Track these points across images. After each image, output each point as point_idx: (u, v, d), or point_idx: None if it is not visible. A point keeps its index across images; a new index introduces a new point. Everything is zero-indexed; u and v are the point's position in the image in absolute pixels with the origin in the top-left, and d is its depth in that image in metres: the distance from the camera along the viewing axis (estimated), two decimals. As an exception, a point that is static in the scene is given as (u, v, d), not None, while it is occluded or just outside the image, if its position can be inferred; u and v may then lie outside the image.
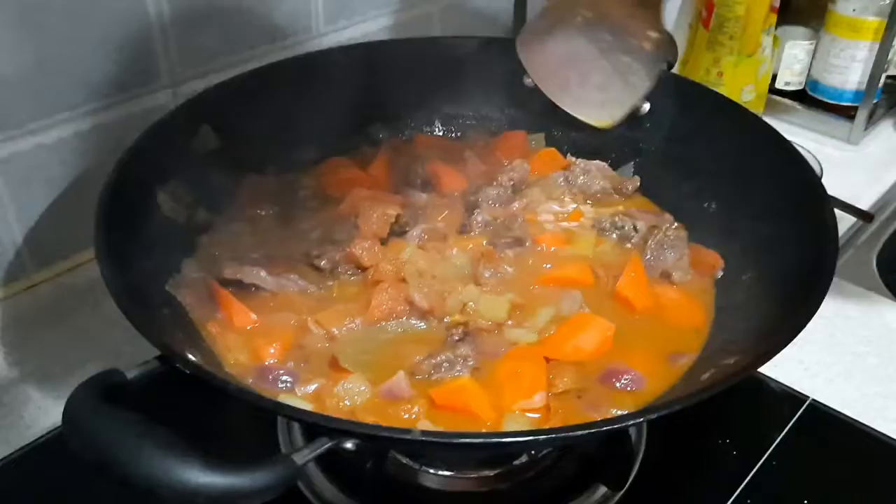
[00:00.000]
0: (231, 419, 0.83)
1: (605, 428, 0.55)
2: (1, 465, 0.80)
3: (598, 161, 0.99)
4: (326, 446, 0.50)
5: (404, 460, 0.79)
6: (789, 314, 0.64)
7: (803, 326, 0.62)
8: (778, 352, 0.60)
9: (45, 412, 0.87)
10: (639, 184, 0.98)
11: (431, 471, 0.78)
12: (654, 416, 0.55)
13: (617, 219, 0.92)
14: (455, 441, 0.53)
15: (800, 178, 0.79)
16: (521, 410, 0.71)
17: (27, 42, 0.85)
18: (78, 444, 0.48)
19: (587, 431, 0.54)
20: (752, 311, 0.73)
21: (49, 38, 0.86)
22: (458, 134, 1.08)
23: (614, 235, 0.92)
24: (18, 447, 0.82)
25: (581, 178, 0.98)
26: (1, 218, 0.90)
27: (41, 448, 0.82)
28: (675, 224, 0.90)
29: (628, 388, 0.74)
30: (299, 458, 0.49)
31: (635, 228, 0.91)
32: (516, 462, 0.79)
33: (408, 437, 0.53)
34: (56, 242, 0.96)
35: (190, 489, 0.45)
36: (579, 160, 1.00)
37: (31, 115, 0.88)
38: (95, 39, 0.90)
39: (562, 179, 0.99)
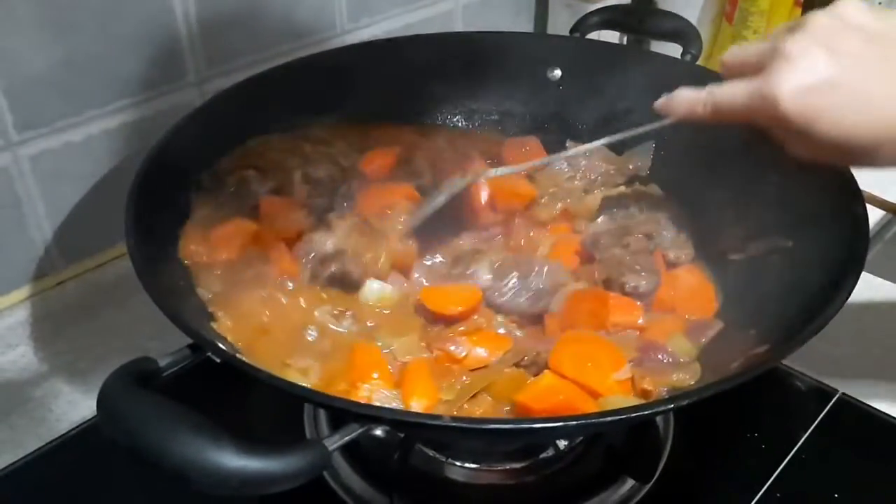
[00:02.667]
0: (258, 407, 0.84)
1: (635, 414, 0.54)
2: (31, 458, 0.81)
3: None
4: (357, 432, 0.51)
5: (430, 453, 0.79)
6: (818, 306, 0.63)
7: (831, 317, 0.61)
8: (805, 342, 0.59)
9: (74, 406, 0.88)
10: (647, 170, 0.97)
11: (458, 463, 0.78)
12: (683, 402, 0.55)
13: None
14: (485, 427, 0.53)
15: (830, 169, 0.78)
16: (616, 385, 0.71)
17: (57, 41, 0.86)
18: (111, 429, 0.49)
19: (619, 417, 0.54)
20: (781, 302, 0.72)
21: (78, 37, 0.87)
22: (480, 129, 1.08)
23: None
24: (48, 441, 0.83)
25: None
26: (31, 215, 0.91)
27: (71, 442, 0.83)
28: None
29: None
30: (330, 444, 0.49)
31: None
32: (543, 455, 0.79)
33: (438, 423, 0.53)
34: (84, 239, 0.97)
35: (223, 473, 0.46)
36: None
37: (60, 112, 0.89)
38: (123, 38, 0.91)
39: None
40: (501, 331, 0.79)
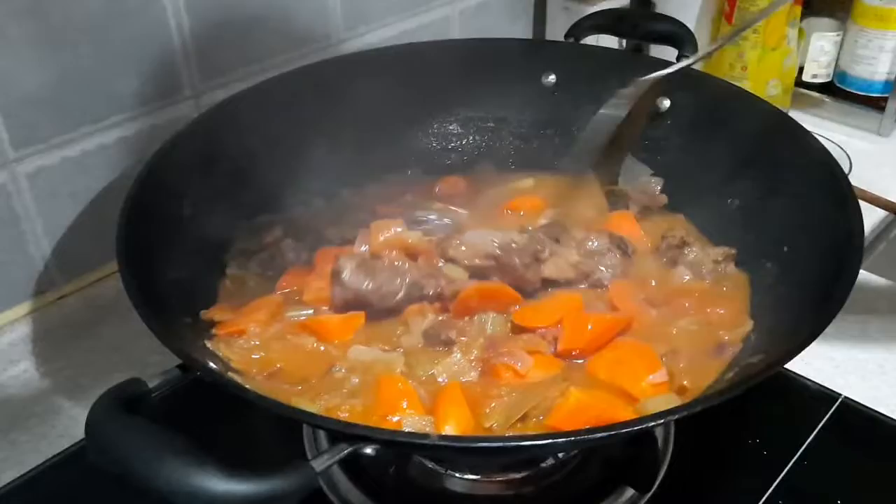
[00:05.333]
0: (257, 426, 0.83)
1: (626, 430, 0.54)
2: (33, 474, 0.81)
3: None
4: (345, 452, 0.50)
5: (429, 464, 0.78)
6: (815, 311, 0.63)
7: (828, 323, 0.60)
8: (803, 349, 0.59)
9: (75, 422, 0.88)
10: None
11: (457, 475, 0.78)
12: (676, 416, 0.55)
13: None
14: (473, 445, 0.53)
15: (823, 171, 0.78)
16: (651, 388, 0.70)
17: (52, 58, 0.86)
18: (98, 455, 0.49)
19: (610, 433, 0.53)
20: (777, 308, 0.72)
21: (72, 53, 0.88)
22: (477, 137, 1.08)
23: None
24: (50, 457, 0.83)
25: None
26: (29, 231, 0.91)
27: (73, 458, 0.83)
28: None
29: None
30: (318, 465, 0.49)
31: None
32: (542, 465, 0.78)
33: (426, 441, 0.52)
34: (83, 255, 0.97)
35: (209, 497, 0.46)
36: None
37: (56, 129, 0.89)
38: (118, 54, 0.91)
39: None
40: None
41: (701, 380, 0.72)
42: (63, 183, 0.92)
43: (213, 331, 0.77)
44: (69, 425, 0.88)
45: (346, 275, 0.78)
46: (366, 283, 0.78)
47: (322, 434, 0.82)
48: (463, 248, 0.84)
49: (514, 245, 0.84)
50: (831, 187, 0.73)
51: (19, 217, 0.90)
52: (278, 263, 0.88)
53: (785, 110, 1.27)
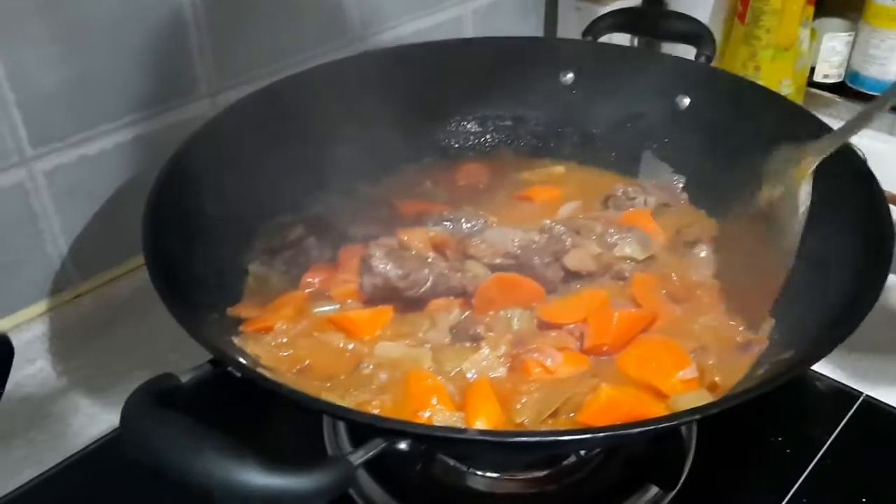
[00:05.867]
0: (278, 423, 0.83)
1: (666, 424, 0.54)
2: (51, 473, 0.81)
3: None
4: (381, 447, 0.50)
5: (451, 462, 0.78)
6: (845, 308, 0.62)
7: (859, 322, 0.60)
8: (835, 346, 0.59)
9: (93, 421, 0.87)
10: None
11: (479, 473, 0.77)
12: (714, 411, 0.54)
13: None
14: (511, 440, 0.53)
15: (849, 168, 0.77)
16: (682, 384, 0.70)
17: (70, 57, 0.86)
18: (135, 449, 0.48)
19: (649, 428, 0.53)
20: (805, 306, 0.72)
21: (90, 52, 0.87)
22: (495, 135, 1.07)
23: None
24: (67, 456, 0.83)
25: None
26: (47, 230, 0.91)
27: (90, 457, 0.83)
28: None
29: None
30: (354, 460, 0.49)
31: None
32: (565, 462, 0.78)
33: (464, 436, 0.52)
34: (99, 253, 0.97)
35: (247, 491, 0.45)
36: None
37: (74, 127, 0.89)
38: (135, 52, 0.91)
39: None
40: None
41: (731, 376, 0.72)
42: (81, 181, 0.92)
43: (240, 328, 0.77)
44: (86, 424, 0.87)
45: (375, 261, 0.78)
46: (395, 269, 0.78)
47: (343, 432, 0.82)
48: (483, 245, 0.84)
49: (534, 245, 0.84)
50: (858, 184, 0.73)
51: (37, 215, 0.89)
52: (302, 261, 0.87)
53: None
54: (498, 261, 0.83)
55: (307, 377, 0.72)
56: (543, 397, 0.69)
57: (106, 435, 0.85)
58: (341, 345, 0.76)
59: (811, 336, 0.65)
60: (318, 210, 0.94)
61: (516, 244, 0.84)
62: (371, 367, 0.73)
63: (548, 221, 0.89)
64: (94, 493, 0.79)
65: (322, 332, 0.77)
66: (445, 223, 0.91)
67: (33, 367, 0.92)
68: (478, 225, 0.91)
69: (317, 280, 0.85)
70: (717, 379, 0.71)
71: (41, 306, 0.94)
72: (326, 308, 0.80)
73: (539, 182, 1.02)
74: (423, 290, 0.79)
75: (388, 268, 0.78)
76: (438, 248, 0.85)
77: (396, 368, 0.73)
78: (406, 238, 0.84)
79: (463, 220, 0.92)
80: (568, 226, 0.88)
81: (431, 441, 0.56)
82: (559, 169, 1.04)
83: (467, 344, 0.76)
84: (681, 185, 0.96)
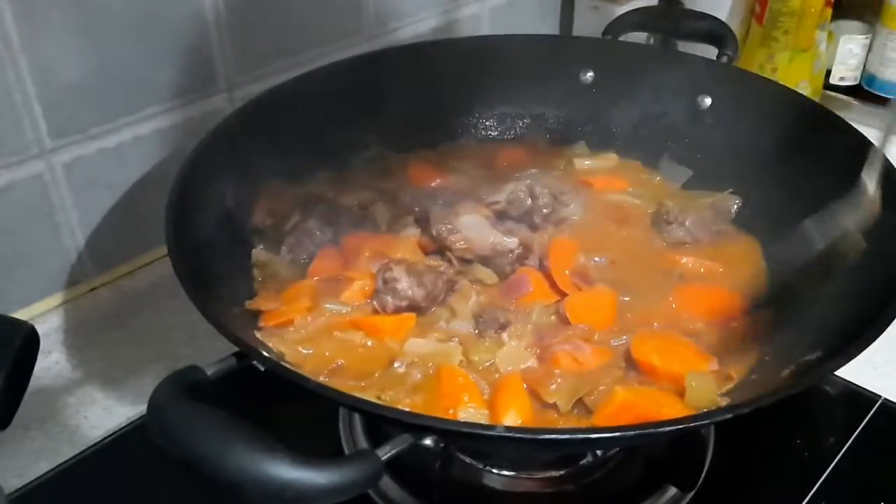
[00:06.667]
0: (288, 420, 0.82)
1: (692, 424, 0.53)
2: (66, 466, 0.80)
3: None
4: (408, 443, 0.50)
5: (468, 460, 0.78)
6: (873, 310, 0.62)
7: (887, 325, 0.60)
8: (864, 349, 0.59)
9: (109, 413, 0.87)
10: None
11: (496, 471, 0.77)
12: (747, 410, 0.53)
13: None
14: (539, 437, 0.52)
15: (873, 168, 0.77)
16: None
17: (90, 49, 0.86)
18: (164, 440, 0.48)
19: (675, 427, 0.53)
20: (829, 307, 0.71)
21: (111, 45, 0.87)
22: (513, 133, 1.07)
23: None
24: (84, 448, 0.82)
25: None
26: (64, 222, 0.91)
27: (106, 449, 0.83)
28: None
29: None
30: (382, 455, 0.48)
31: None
32: (583, 462, 0.78)
33: (492, 433, 0.52)
34: (116, 246, 0.97)
35: (278, 485, 0.45)
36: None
37: (93, 120, 0.89)
38: (155, 46, 0.91)
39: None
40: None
41: (742, 369, 0.72)
42: (99, 174, 0.91)
43: (260, 322, 0.76)
44: (102, 416, 0.87)
45: (401, 284, 0.78)
46: (419, 290, 0.79)
47: (359, 428, 0.81)
48: (462, 243, 0.85)
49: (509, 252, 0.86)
50: (882, 185, 0.73)
51: (55, 207, 0.89)
52: (306, 246, 0.87)
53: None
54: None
55: (342, 378, 0.71)
56: (576, 382, 0.70)
57: (122, 427, 0.85)
58: (369, 343, 0.76)
59: (838, 337, 0.64)
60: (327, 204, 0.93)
61: (491, 241, 0.85)
62: (404, 366, 0.73)
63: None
64: (110, 485, 0.79)
65: (344, 332, 0.77)
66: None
67: (49, 359, 0.92)
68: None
69: (323, 272, 0.84)
70: (730, 371, 0.72)
71: (57, 298, 0.94)
72: (340, 308, 0.79)
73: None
74: (440, 300, 0.81)
75: (413, 291, 0.78)
76: (424, 250, 0.86)
77: (428, 365, 0.73)
78: (400, 255, 0.84)
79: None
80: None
81: (460, 437, 0.56)
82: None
83: (494, 332, 0.77)
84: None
